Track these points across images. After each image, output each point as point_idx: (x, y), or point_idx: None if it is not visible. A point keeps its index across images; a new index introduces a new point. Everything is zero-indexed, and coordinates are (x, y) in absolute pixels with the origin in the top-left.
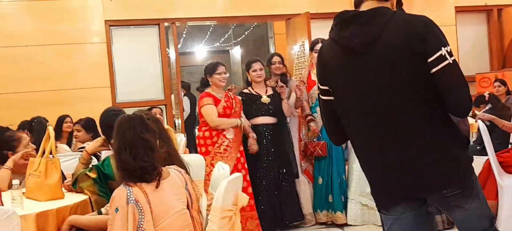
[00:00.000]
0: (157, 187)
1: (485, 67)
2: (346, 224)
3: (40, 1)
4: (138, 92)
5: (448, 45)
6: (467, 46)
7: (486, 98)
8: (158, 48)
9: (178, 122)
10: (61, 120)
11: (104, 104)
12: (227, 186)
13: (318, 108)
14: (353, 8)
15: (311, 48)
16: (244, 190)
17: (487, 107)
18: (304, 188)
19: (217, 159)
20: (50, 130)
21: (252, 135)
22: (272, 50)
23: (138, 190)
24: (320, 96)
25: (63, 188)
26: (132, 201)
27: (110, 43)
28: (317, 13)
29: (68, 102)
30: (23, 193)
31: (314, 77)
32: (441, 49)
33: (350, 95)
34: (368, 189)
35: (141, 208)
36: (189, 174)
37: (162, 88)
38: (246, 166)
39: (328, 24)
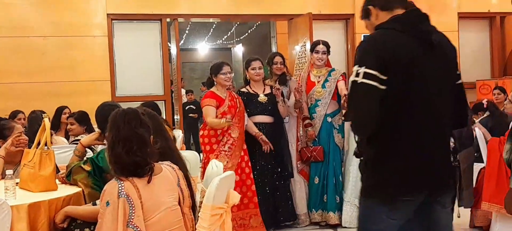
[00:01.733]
0: (148, 182)
1: (486, 74)
2: (339, 225)
3: None
4: (138, 86)
5: None
6: (468, 53)
7: (484, 106)
8: (160, 43)
9: (177, 117)
10: (59, 111)
11: (103, 98)
12: (219, 183)
13: (317, 109)
14: (352, 12)
15: (312, 49)
16: (248, 187)
17: (485, 115)
18: (300, 188)
19: (221, 157)
20: (46, 121)
21: (261, 136)
22: (274, 49)
23: (129, 184)
24: (370, 82)
25: (57, 180)
26: (123, 195)
27: (111, 37)
28: (320, 14)
29: (68, 94)
30: (17, 183)
31: (313, 78)
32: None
33: (420, 87)
34: None
35: (132, 202)
36: (186, 170)
37: (162, 84)
38: (250, 164)
39: (330, 25)
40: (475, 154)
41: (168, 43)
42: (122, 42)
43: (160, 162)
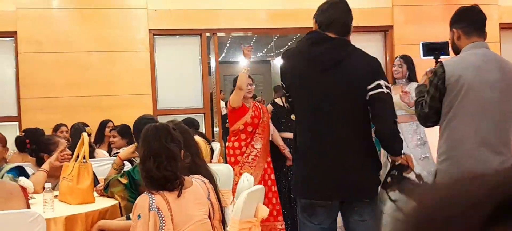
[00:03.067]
0: (179, 195)
1: None
2: None
3: (88, 8)
4: (178, 100)
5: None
6: None
7: None
8: (199, 57)
9: (216, 130)
10: (103, 125)
11: (145, 111)
12: (247, 197)
13: None
14: (391, 24)
15: None
16: (269, 200)
17: None
18: None
19: (245, 169)
20: (84, 135)
21: (286, 150)
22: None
23: (160, 198)
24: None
25: (95, 192)
26: (154, 209)
27: (153, 52)
28: (357, 26)
29: (111, 107)
30: (56, 196)
31: None
32: (380, 81)
33: (307, 100)
34: None
35: (163, 215)
36: (215, 184)
37: (202, 97)
38: (272, 176)
39: (368, 37)
40: None
41: (209, 56)
42: (163, 57)
43: (191, 176)
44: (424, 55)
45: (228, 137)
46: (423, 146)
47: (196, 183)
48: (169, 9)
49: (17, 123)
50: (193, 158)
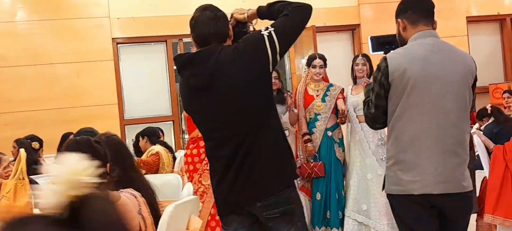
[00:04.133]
0: None
1: (499, 77)
2: None
3: (51, 20)
4: (146, 109)
5: None
6: (480, 57)
7: (488, 111)
8: (166, 64)
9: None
10: (65, 137)
11: (112, 122)
12: (174, 210)
13: (317, 123)
14: (357, 22)
15: (309, 64)
16: None
17: (490, 121)
18: None
19: (204, 176)
20: (22, 151)
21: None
22: (287, 64)
23: None
24: None
25: (38, 210)
26: None
27: (118, 61)
28: (324, 26)
29: (77, 120)
30: None
31: (311, 92)
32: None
33: (200, 120)
34: (365, 207)
35: None
36: (152, 196)
37: (170, 105)
38: None
39: (335, 37)
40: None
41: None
42: (128, 66)
43: (120, 190)
44: (373, 51)
45: (186, 145)
46: (384, 146)
47: (124, 197)
48: (133, 17)
49: None
50: (127, 171)
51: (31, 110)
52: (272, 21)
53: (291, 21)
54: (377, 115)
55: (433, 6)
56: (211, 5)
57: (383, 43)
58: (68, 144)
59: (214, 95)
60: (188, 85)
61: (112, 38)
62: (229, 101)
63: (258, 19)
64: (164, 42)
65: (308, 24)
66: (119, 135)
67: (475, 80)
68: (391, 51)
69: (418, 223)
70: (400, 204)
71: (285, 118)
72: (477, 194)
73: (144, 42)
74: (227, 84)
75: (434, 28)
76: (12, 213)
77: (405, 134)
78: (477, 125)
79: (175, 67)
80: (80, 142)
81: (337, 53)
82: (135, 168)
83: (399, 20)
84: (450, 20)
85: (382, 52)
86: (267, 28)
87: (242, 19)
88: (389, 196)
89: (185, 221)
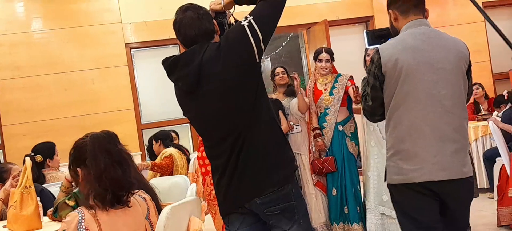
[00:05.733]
0: (128, 206)
1: None
2: None
3: (64, 29)
4: (163, 112)
5: None
6: (498, 43)
7: (505, 97)
8: None
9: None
10: None
11: (129, 126)
12: (171, 212)
13: (327, 117)
14: (371, 14)
15: (315, 58)
16: None
17: (507, 107)
18: (316, 201)
19: None
20: (27, 160)
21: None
22: (304, 62)
23: (91, 217)
24: None
25: (46, 217)
26: (82, 229)
27: (132, 66)
28: (337, 20)
29: (95, 126)
30: (4, 226)
31: (320, 86)
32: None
33: (193, 120)
34: (386, 198)
35: None
36: (153, 199)
37: None
38: None
39: (349, 30)
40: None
41: None
42: (143, 70)
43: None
44: (369, 44)
45: (198, 147)
46: None
47: (135, 201)
48: (144, 21)
49: (1, 151)
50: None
51: (49, 119)
52: (252, 7)
53: (269, 5)
54: (374, 107)
55: None
56: (191, 4)
57: (379, 36)
58: (94, 142)
59: (204, 95)
60: (179, 88)
61: (125, 44)
62: (219, 101)
63: (236, 6)
64: (177, 45)
65: (320, 19)
66: (136, 139)
67: (470, 66)
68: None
69: (419, 211)
70: (402, 193)
71: (292, 110)
72: (496, 182)
73: (157, 45)
74: (215, 83)
75: (426, 17)
76: (20, 222)
77: (402, 124)
78: (495, 113)
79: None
80: (109, 134)
81: (351, 47)
82: (137, 171)
83: (390, 11)
84: (467, 7)
85: (378, 45)
86: (246, 18)
87: (219, 9)
88: (391, 186)
89: (185, 222)
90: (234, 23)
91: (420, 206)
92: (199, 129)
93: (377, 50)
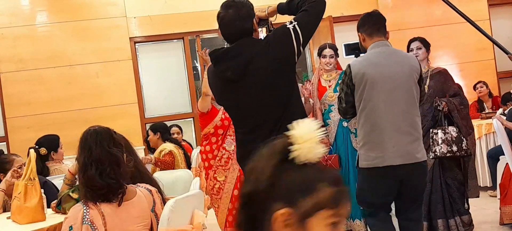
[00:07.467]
0: (119, 205)
1: None
2: None
3: (69, 22)
4: (166, 106)
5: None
6: (503, 41)
7: None
8: (184, 62)
9: None
10: None
11: (133, 121)
12: (175, 205)
13: (331, 114)
14: (376, 11)
15: (319, 54)
16: None
17: None
18: None
19: (219, 172)
20: (32, 152)
21: None
22: (307, 58)
23: (95, 212)
24: None
25: (51, 209)
26: (87, 222)
27: (136, 60)
28: (342, 16)
29: (98, 120)
30: (8, 217)
31: (324, 83)
32: None
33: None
34: None
35: (96, 229)
36: (161, 193)
37: (189, 102)
38: None
39: (353, 27)
40: None
41: (195, 61)
42: (147, 64)
43: (137, 184)
44: (346, 55)
45: (200, 142)
46: None
47: (140, 194)
48: (149, 16)
49: (5, 143)
50: (137, 165)
51: (52, 112)
52: (292, 16)
53: (310, 15)
54: (347, 108)
55: (383, 20)
56: (235, 2)
57: (353, 49)
58: (87, 134)
59: (247, 85)
60: (221, 78)
61: (130, 38)
62: (261, 91)
63: (278, 15)
64: (182, 40)
65: (325, 15)
66: (140, 133)
67: (421, 75)
68: (355, 58)
69: (379, 191)
70: (368, 175)
71: None
72: (499, 181)
73: (161, 40)
74: (259, 76)
75: (387, 38)
76: (23, 213)
77: (369, 121)
78: (501, 110)
79: (196, 65)
80: (100, 132)
81: (356, 44)
82: (141, 164)
83: (359, 33)
84: (471, 4)
85: (353, 55)
86: (291, 22)
87: (263, 16)
88: (360, 169)
89: (188, 216)
90: (272, 30)
91: (381, 187)
92: (235, 115)
93: (349, 66)
